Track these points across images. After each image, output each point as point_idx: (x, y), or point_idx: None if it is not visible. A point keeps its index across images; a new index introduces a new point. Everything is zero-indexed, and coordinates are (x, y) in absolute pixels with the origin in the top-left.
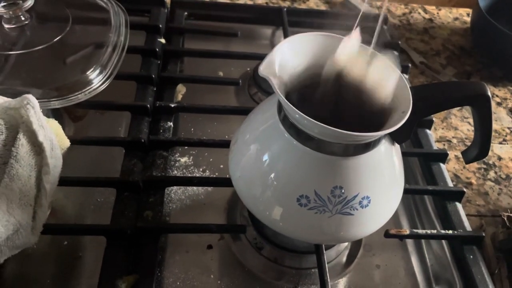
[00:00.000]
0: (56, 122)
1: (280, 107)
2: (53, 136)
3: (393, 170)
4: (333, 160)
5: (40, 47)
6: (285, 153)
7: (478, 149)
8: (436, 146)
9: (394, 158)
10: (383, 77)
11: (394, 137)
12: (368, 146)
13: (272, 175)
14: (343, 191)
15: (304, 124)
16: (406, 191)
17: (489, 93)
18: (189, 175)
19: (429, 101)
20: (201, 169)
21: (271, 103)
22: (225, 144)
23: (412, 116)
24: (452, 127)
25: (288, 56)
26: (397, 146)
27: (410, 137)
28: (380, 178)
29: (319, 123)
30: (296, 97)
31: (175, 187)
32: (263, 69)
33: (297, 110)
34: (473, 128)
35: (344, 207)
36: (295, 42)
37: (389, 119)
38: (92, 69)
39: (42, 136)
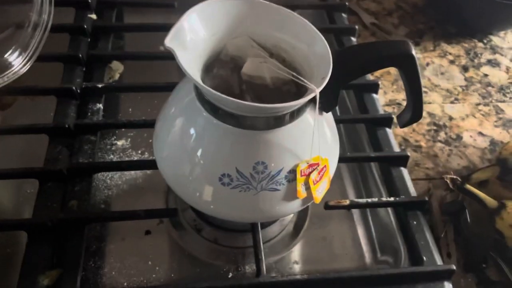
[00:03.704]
0: None
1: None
2: None
3: (323, 140)
4: (252, 134)
5: None
6: (203, 131)
7: (411, 111)
8: (385, 110)
9: (324, 128)
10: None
11: (321, 105)
12: (291, 117)
13: (195, 156)
14: (266, 166)
15: (217, 100)
16: (349, 159)
17: (413, 52)
18: (127, 158)
19: (351, 64)
20: (139, 152)
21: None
22: None
23: (334, 81)
24: (402, 89)
25: (200, 26)
26: (327, 114)
27: (337, 104)
28: (307, 150)
29: (230, 98)
30: (216, 71)
31: (111, 172)
32: (169, 41)
33: (207, 87)
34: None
35: (269, 183)
36: (206, 10)
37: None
38: (10, 51)
39: None
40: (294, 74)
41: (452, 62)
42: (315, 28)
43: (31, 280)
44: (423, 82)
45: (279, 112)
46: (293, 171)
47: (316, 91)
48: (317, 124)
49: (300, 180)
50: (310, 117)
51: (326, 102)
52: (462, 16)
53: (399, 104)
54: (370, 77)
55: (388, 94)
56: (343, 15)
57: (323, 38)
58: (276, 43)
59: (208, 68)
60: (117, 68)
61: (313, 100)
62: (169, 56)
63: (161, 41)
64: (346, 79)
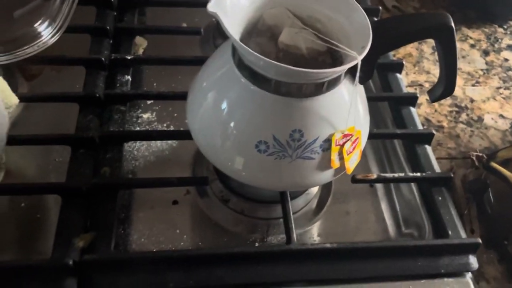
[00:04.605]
0: (1, 78)
1: (234, 51)
2: None
3: (356, 111)
4: (290, 102)
5: None
6: (241, 99)
7: (444, 86)
8: (407, 90)
9: (357, 100)
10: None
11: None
12: (329, 86)
13: (231, 124)
14: (302, 134)
15: (259, 65)
16: (375, 136)
17: (452, 24)
18: None
19: (390, 34)
20: (165, 125)
21: (226, 48)
22: (186, 96)
23: (372, 51)
24: (424, 71)
25: None
26: (360, 87)
27: (372, 76)
28: (342, 120)
29: (274, 62)
30: (254, 39)
31: (138, 143)
32: (211, 6)
33: (251, 50)
34: None
35: (304, 152)
36: None
37: (348, 56)
38: (40, 21)
39: None
40: (335, 42)
41: (472, 46)
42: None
43: (67, 241)
44: None
45: (320, 79)
46: (328, 141)
47: (358, 58)
48: (355, 94)
49: (335, 150)
50: (346, 87)
51: (363, 73)
52: (482, 1)
53: (421, 85)
54: (393, 57)
55: (410, 76)
56: None
57: (361, 8)
58: (312, 14)
59: (244, 38)
60: (140, 43)
61: (349, 71)
62: (189, 31)
63: (182, 18)
64: (384, 49)
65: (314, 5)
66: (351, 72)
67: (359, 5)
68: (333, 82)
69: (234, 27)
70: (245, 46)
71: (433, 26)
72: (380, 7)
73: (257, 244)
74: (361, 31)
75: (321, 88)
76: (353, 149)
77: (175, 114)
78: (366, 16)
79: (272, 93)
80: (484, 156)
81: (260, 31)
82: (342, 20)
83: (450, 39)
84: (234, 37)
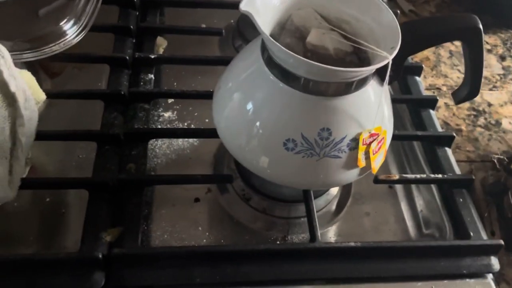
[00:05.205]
0: (29, 73)
1: (264, 49)
2: (26, 87)
3: (382, 112)
4: (320, 100)
5: None
6: (270, 97)
7: (469, 88)
8: (425, 93)
9: (383, 100)
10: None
11: (383, 77)
12: (357, 85)
13: (258, 122)
14: (330, 133)
15: (290, 63)
16: (395, 137)
17: (481, 26)
18: None
19: (418, 35)
20: (185, 124)
21: (254, 48)
22: (209, 95)
23: (401, 52)
24: (442, 75)
25: None
26: (385, 88)
27: (399, 76)
28: (368, 120)
29: (306, 59)
30: (282, 39)
31: (159, 142)
32: (244, 5)
33: (282, 47)
34: (463, 75)
35: (332, 150)
36: None
37: (377, 56)
38: (65, 20)
39: (14, 86)
40: (364, 43)
41: (489, 51)
42: (380, 0)
43: (95, 235)
44: (461, 69)
45: (350, 78)
46: (355, 140)
47: (389, 58)
48: (383, 94)
49: (362, 149)
50: (372, 88)
51: (391, 72)
52: (498, 7)
53: (438, 89)
54: (410, 60)
55: (428, 79)
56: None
57: (388, 9)
58: (339, 15)
59: (273, 38)
60: (161, 43)
61: (377, 72)
62: (210, 31)
63: (201, 19)
64: (412, 50)
65: (341, 7)
66: (378, 72)
67: (386, 6)
68: (362, 82)
69: (265, 25)
70: (277, 43)
71: (462, 28)
72: (398, 11)
73: (278, 242)
74: (389, 31)
75: (350, 87)
76: (379, 149)
77: (196, 113)
78: (394, 17)
79: (301, 91)
80: (505, 159)
81: (288, 31)
82: (370, 22)
83: (477, 40)
84: (267, 34)
